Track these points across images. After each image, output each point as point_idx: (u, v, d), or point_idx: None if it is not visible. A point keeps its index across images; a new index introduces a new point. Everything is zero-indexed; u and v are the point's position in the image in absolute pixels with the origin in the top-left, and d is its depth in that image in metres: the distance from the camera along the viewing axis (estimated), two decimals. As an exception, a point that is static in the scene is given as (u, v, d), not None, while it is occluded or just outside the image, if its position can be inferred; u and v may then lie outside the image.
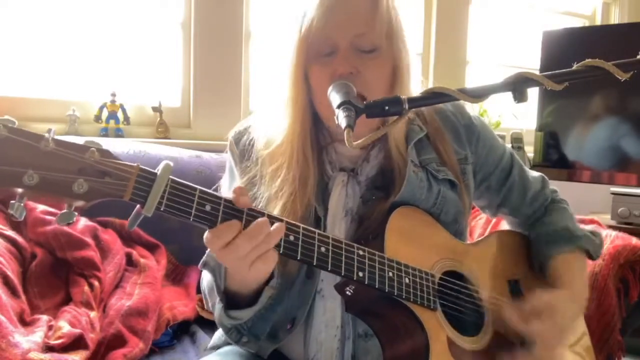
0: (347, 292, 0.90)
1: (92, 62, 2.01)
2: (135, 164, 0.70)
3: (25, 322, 1.18)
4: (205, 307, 1.35)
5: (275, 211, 0.93)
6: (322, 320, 0.96)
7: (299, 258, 0.81)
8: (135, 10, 2.07)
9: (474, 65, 2.91)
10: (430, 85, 0.88)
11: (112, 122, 1.95)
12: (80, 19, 1.97)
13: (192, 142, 1.99)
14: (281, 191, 0.95)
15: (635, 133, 2.28)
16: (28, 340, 1.09)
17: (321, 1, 0.92)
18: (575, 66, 0.75)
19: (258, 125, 1.05)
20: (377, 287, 0.86)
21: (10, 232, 1.34)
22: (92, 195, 0.67)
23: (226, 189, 1.10)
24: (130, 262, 1.48)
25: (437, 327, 0.91)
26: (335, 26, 0.92)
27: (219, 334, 1.12)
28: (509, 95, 0.76)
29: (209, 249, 0.81)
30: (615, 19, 3.30)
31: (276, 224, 0.78)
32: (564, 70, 0.75)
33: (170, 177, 0.72)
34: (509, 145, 1.20)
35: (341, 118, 0.79)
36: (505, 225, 1.27)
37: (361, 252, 0.86)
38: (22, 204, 0.65)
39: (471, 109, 1.13)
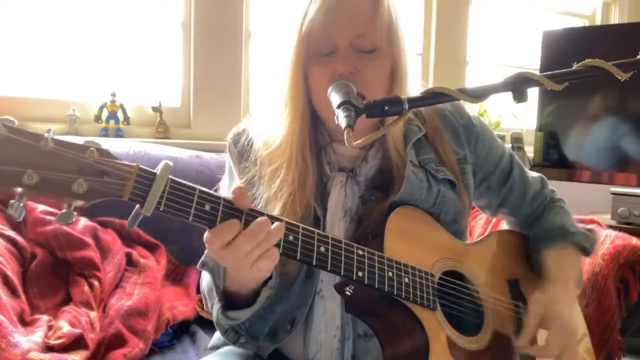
0: (347, 292, 0.90)
1: (92, 62, 2.01)
2: (135, 164, 0.70)
3: (25, 322, 1.18)
4: (205, 308, 1.35)
5: (275, 211, 0.93)
6: (321, 320, 0.96)
7: (298, 258, 0.81)
8: (135, 10, 2.07)
9: (474, 65, 2.91)
10: (430, 85, 0.88)
11: (112, 122, 1.95)
12: (80, 18, 1.97)
13: (192, 142, 1.98)
14: (280, 192, 0.95)
15: (635, 133, 2.28)
16: (28, 340, 1.09)
17: (322, 1, 0.92)
18: (575, 66, 0.75)
19: (257, 125, 1.05)
20: (376, 286, 0.86)
21: (10, 232, 1.34)
22: (92, 195, 0.67)
23: (225, 190, 1.09)
24: (130, 262, 1.48)
25: (436, 327, 0.91)
26: (335, 26, 0.92)
27: (218, 334, 1.12)
28: (509, 95, 0.76)
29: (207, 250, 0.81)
30: (615, 19, 3.30)
31: (276, 223, 0.78)
32: (564, 70, 0.75)
33: (170, 176, 0.72)
34: (508, 146, 1.20)
35: (341, 118, 0.79)
36: (505, 225, 1.27)
37: (361, 252, 0.86)
38: (21, 204, 0.65)
39: (470, 109, 1.13)
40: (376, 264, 0.86)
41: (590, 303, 1.45)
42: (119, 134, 1.95)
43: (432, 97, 0.79)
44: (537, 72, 0.76)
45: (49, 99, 1.91)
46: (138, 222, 0.73)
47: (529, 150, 2.62)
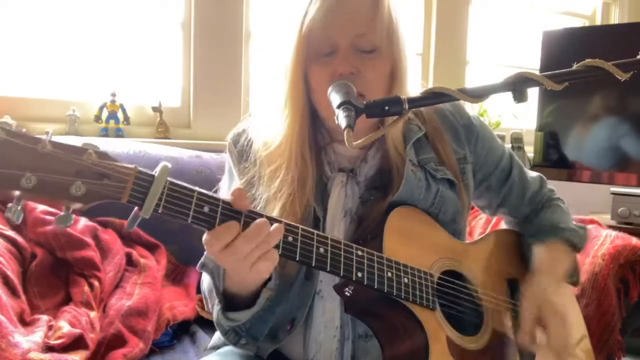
0: (346, 293, 0.90)
1: (92, 62, 2.01)
2: (133, 166, 0.70)
3: (25, 322, 1.18)
4: (206, 308, 1.35)
5: (275, 212, 0.93)
6: (321, 321, 0.96)
7: (297, 259, 0.80)
8: (135, 10, 2.07)
9: (474, 65, 2.91)
10: (430, 85, 0.88)
11: (112, 122, 1.95)
12: (80, 19, 1.97)
13: (192, 142, 1.98)
14: (280, 192, 0.95)
15: (635, 133, 2.27)
16: (28, 340, 1.09)
17: (322, 1, 0.92)
18: (575, 66, 0.75)
19: (256, 126, 1.05)
20: (376, 287, 0.86)
21: (10, 232, 1.34)
22: (90, 198, 0.67)
23: (225, 191, 1.09)
24: (130, 262, 1.48)
25: (436, 327, 0.91)
26: (335, 26, 0.92)
27: (218, 334, 1.12)
28: (509, 95, 0.76)
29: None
30: (615, 19, 3.29)
31: (275, 225, 0.78)
32: (564, 70, 0.75)
33: (168, 178, 0.72)
34: (508, 146, 1.20)
35: (341, 118, 0.79)
36: (504, 225, 1.27)
37: (360, 253, 0.86)
38: (19, 207, 0.64)
39: (470, 109, 1.13)
40: (375, 265, 0.86)
41: (590, 303, 1.45)
42: (119, 134, 1.95)
43: (432, 97, 0.79)
44: (537, 72, 0.75)
45: (49, 99, 1.91)
46: (137, 223, 0.73)
47: (529, 150, 2.61)
